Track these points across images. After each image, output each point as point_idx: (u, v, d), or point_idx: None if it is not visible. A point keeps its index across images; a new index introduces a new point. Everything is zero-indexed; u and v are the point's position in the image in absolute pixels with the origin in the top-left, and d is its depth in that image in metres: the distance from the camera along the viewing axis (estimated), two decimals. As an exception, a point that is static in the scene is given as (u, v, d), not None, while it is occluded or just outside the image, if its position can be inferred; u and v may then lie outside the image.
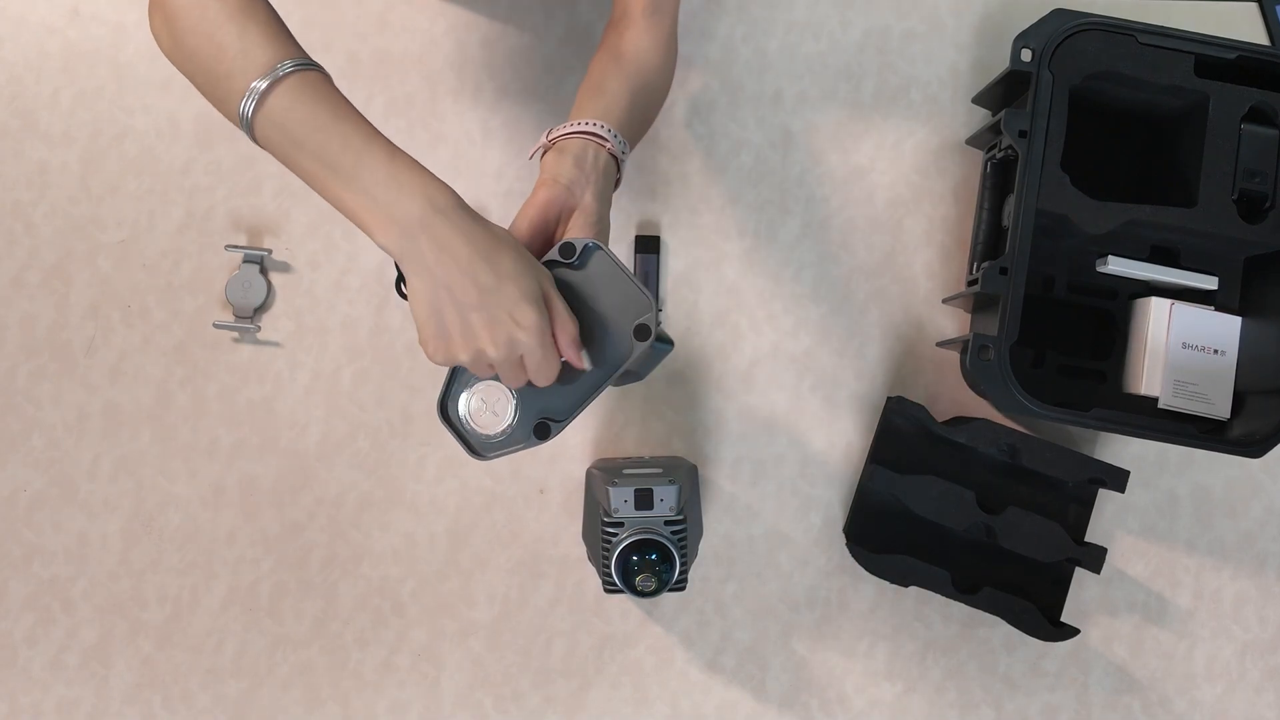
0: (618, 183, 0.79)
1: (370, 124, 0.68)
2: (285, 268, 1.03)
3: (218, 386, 1.02)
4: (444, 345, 0.67)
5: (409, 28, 1.05)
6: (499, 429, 0.73)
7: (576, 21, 1.05)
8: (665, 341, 0.77)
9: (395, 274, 0.88)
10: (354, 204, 0.66)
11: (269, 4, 0.69)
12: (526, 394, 0.73)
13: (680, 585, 0.91)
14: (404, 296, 0.69)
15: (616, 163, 0.77)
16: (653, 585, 0.89)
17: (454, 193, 0.68)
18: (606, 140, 0.76)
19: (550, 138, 0.77)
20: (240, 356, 1.02)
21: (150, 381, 1.02)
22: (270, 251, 1.02)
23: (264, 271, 1.02)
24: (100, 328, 1.02)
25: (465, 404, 0.74)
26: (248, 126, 0.66)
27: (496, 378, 0.72)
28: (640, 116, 0.83)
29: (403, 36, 1.04)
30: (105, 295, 1.02)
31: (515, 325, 0.67)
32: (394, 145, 0.67)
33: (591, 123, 0.76)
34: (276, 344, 1.02)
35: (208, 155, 1.03)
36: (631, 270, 0.75)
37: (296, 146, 0.66)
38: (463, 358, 0.68)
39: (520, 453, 0.74)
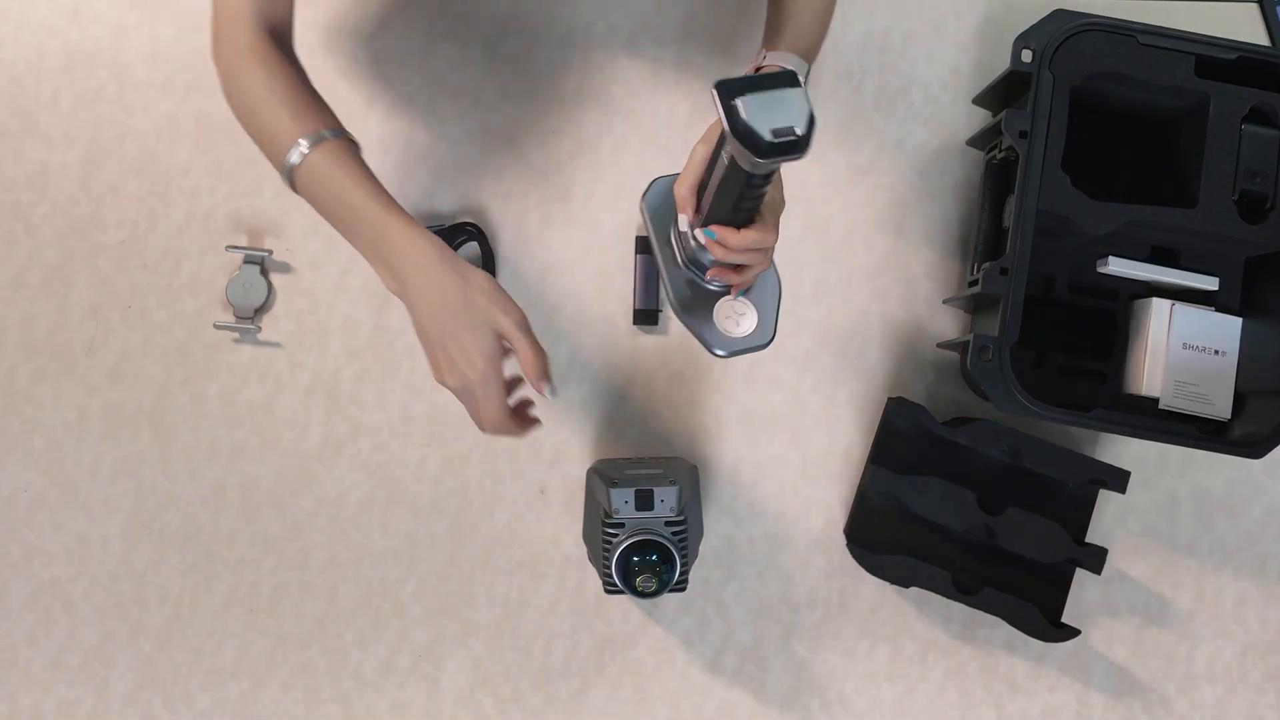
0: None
1: (384, 191, 0.80)
2: (286, 268, 1.03)
3: (218, 387, 1.02)
4: (444, 364, 0.79)
5: (409, 28, 1.05)
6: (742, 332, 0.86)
7: (577, 23, 1.05)
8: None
9: None
10: (370, 253, 0.79)
11: (306, 76, 0.82)
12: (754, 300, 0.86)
13: (681, 586, 0.91)
14: None
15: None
16: (653, 586, 0.89)
17: (443, 248, 0.79)
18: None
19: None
20: (241, 357, 1.02)
21: (151, 382, 1.02)
22: (271, 252, 1.02)
23: (264, 272, 1.02)
24: (101, 328, 1.02)
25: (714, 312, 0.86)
26: (288, 178, 0.80)
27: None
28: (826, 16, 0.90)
29: (403, 37, 1.05)
30: (106, 296, 1.02)
31: (470, 361, 0.78)
32: (401, 210, 0.79)
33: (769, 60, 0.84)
34: (277, 345, 1.02)
35: (208, 156, 1.03)
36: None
37: (331, 201, 0.79)
38: (458, 369, 0.79)
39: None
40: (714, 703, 1.01)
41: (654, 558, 0.88)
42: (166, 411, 1.02)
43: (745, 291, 0.86)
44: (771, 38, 0.87)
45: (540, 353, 0.79)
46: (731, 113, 0.70)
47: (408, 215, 0.79)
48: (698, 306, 0.86)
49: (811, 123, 0.71)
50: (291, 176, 0.79)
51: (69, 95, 1.03)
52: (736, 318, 0.86)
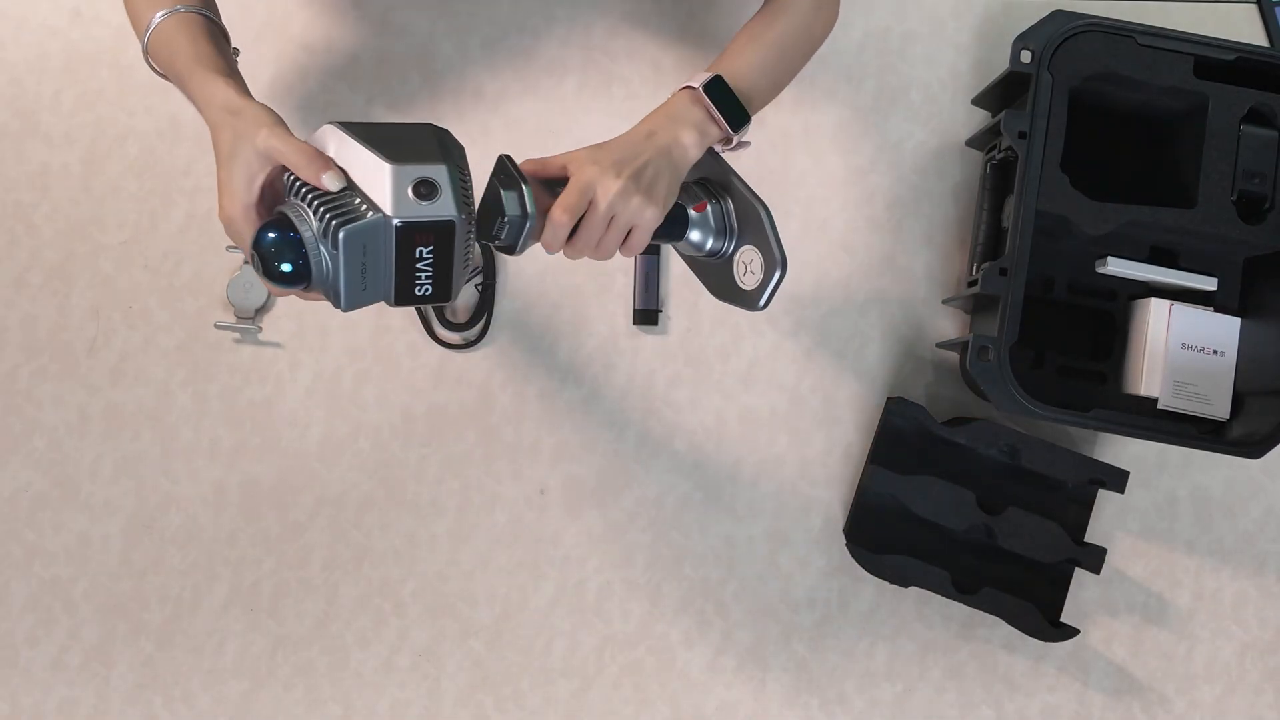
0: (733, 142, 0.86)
1: (207, 53, 0.79)
2: (286, 269, 1.03)
3: (219, 387, 1.02)
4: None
5: (410, 29, 1.05)
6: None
7: (576, 23, 1.05)
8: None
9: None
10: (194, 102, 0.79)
11: None
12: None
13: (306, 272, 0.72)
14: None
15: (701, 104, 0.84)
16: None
17: (228, 96, 0.76)
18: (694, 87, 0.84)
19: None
20: (241, 357, 1.02)
21: (151, 382, 1.02)
22: (271, 252, 1.02)
23: (265, 272, 1.02)
24: (102, 329, 1.02)
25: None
26: (146, 58, 0.81)
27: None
28: (779, 66, 0.88)
29: (404, 38, 1.05)
30: (107, 296, 1.02)
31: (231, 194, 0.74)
32: (215, 69, 0.78)
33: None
34: (278, 345, 1.02)
35: (209, 156, 1.03)
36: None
37: (167, 69, 0.81)
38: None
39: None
40: (714, 702, 1.01)
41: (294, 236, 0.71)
42: (167, 411, 1.02)
43: (738, 237, 0.85)
44: (716, 62, 0.87)
45: (299, 149, 0.71)
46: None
47: (218, 71, 0.76)
48: (721, 279, 0.86)
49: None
50: (148, 56, 0.80)
51: (70, 96, 1.04)
52: (748, 267, 0.84)
